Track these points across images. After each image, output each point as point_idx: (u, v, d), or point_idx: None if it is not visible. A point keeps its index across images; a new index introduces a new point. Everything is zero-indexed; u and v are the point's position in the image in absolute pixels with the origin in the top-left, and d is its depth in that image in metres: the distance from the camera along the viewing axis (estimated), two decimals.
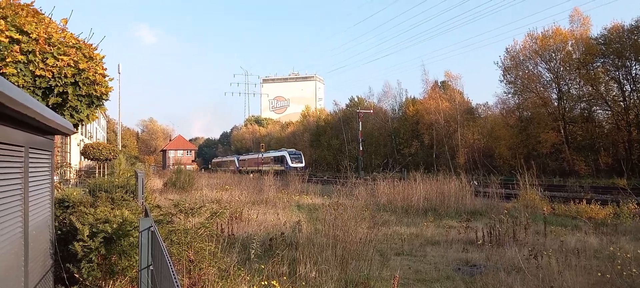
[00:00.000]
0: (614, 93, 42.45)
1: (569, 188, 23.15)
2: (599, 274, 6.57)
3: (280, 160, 62.35)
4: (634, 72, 40.49)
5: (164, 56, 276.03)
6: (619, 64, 40.70)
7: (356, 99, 78.63)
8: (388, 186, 18.97)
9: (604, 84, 42.33)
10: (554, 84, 44.94)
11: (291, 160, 60.24)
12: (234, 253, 7.56)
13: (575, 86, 44.15)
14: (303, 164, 60.24)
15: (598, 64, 42.10)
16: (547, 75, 45.46)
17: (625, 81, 41.26)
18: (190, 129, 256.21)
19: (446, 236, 11.44)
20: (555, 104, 44.74)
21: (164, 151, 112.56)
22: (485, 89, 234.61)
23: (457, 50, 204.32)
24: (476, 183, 20.30)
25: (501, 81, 49.97)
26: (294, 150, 66.86)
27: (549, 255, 7.45)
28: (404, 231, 12.14)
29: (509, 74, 48.02)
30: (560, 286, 6.16)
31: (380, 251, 9.43)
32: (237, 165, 77.46)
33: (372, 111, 65.19)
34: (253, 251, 7.52)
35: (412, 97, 66.65)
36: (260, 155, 71.68)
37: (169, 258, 2.95)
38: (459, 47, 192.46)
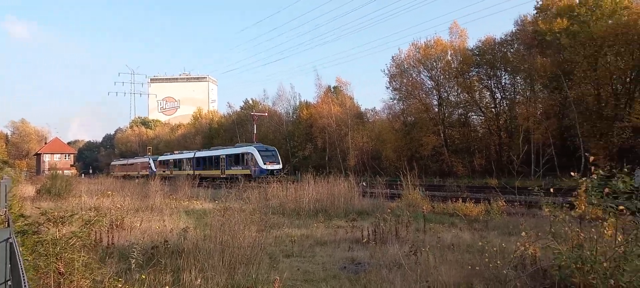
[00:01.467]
0: (487, 100, 46.68)
1: (448, 188, 24.69)
2: (470, 267, 7.12)
3: (244, 159, 42.72)
4: (504, 81, 44.94)
5: (39, 52, 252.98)
6: (491, 73, 44.90)
7: (251, 102, 77.85)
8: (280, 188, 19.02)
9: (478, 92, 46.28)
10: (434, 91, 47.94)
11: (263, 160, 40.61)
12: (113, 264, 7.10)
13: (454, 93, 47.59)
14: (280, 166, 41.09)
15: (473, 73, 45.91)
16: (429, 82, 48.38)
17: (496, 89, 45.57)
18: (69, 131, 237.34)
19: (334, 236, 11.71)
20: (436, 109, 47.81)
21: (38, 155, 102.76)
22: (373, 95, 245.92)
23: (349, 56, 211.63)
24: (364, 185, 21.04)
25: (387, 88, 52.68)
26: (265, 146, 45.48)
27: (427, 251, 7.89)
28: (294, 233, 12.22)
29: (394, 81, 50.42)
30: (436, 280, 6.56)
31: (270, 254, 9.40)
32: (153, 169, 59.55)
33: (266, 114, 64.81)
34: (134, 260, 7.10)
35: (306, 101, 67.58)
36: (195, 154, 52.86)
37: (24, 273, 2.67)
38: (350, 53, 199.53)
